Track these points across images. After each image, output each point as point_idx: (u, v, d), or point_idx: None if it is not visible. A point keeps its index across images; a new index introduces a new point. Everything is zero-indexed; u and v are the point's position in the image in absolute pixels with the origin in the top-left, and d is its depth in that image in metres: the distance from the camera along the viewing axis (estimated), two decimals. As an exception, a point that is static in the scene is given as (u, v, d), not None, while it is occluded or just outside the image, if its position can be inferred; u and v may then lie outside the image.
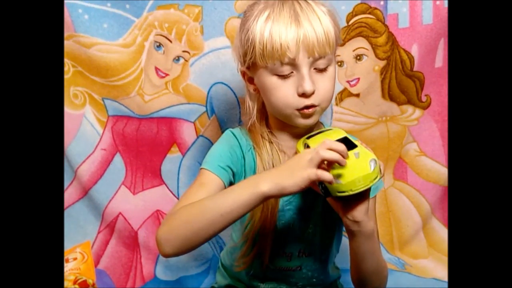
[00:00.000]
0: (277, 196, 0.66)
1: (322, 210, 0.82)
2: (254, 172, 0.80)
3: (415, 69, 1.16)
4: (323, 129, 0.80)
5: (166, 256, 0.68)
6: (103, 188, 1.22)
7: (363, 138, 1.21)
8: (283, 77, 0.73)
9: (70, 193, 1.22)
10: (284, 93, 0.74)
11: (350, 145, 0.69)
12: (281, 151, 0.81)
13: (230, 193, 0.67)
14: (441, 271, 1.19)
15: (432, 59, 1.16)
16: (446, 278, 1.15)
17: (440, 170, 1.24)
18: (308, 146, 0.73)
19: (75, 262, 0.90)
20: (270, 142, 0.81)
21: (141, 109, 1.18)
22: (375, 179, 0.67)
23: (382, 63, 1.16)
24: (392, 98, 1.19)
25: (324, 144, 0.65)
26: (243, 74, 0.81)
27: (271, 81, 0.74)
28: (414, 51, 1.15)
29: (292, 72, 0.73)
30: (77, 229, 1.23)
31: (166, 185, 1.24)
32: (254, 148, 0.81)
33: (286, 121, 0.78)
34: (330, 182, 0.64)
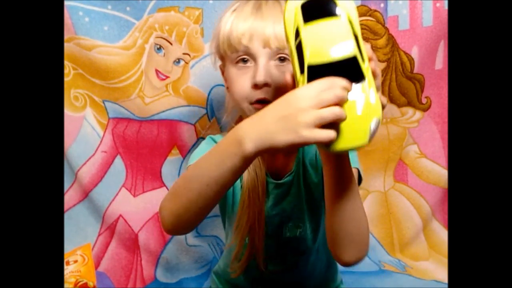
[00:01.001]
0: (265, 153, 0.58)
1: (308, 207, 0.81)
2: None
3: (415, 71, 1.16)
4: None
5: (168, 233, 0.65)
6: (104, 190, 1.22)
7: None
8: (242, 68, 0.72)
9: (70, 196, 1.22)
10: (241, 84, 0.72)
11: (357, 75, 0.53)
12: None
13: (213, 158, 0.57)
14: (442, 273, 1.19)
15: (432, 61, 1.17)
16: (446, 280, 1.15)
17: (440, 172, 1.24)
18: (298, 35, 0.56)
19: (76, 265, 0.90)
20: None
21: (142, 111, 1.18)
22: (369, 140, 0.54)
23: (382, 65, 1.16)
24: (392, 100, 1.19)
25: (320, 100, 0.51)
26: (221, 70, 0.82)
27: (232, 72, 0.74)
28: (414, 53, 1.15)
29: (250, 63, 0.72)
30: (77, 232, 1.23)
31: (166, 187, 1.24)
32: None
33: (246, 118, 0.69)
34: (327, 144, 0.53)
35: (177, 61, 1.15)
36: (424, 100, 1.20)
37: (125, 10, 1.12)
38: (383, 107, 0.55)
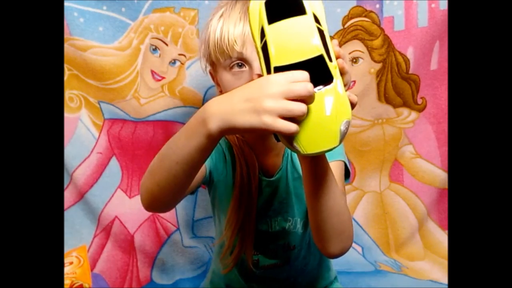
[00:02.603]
0: (230, 133, 0.58)
1: (297, 201, 0.82)
2: (235, 169, 0.80)
3: (410, 71, 1.17)
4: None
5: (146, 210, 0.65)
6: (99, 191, 1.22)
7: (359, 140, 1.22)
8: (236, 73, 0.72)
9: (66, 197, 1.21)
10: None
11: (325, 75, 0.51)
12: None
13: (182, 137, 0.57)
14: (438, 273, 1.19)
15: (428, 61, 1.17)
16: (442, 280, 1.15)
17: (435, 172, 1.24)
18: (263, 34, 0.54)
19: (71, 267, 0.90)
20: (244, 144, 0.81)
21: (137, 112, 1.18)
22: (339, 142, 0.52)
23: (378, 65, 1.16)
24: (388, 101, 1.19)
25: (290, 89, 0.49)
26: (211, 75, 0.82)
27: (226, 78, 0.73)
28: (410, 53, 1.15)
29: (245, 68, 0.72)
30: (73, 233, 1.22)
31: (162, 188, 1.23)
32: (232, 147, 0.81)
33: None
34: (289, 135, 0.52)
35: (173, 62, 1.15)
36: (419, 101, 1.20)
37: (120, 10, 1.12)
38: (353, 106, 0.54)
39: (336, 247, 0.66)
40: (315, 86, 0.50)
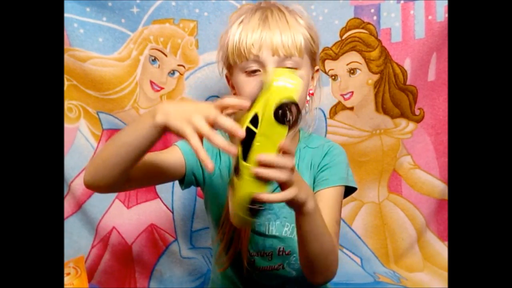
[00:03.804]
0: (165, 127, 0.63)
1: None
2: (229, 170, 0.82)
3: (408, 82, 1.17)
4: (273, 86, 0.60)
5: (87, 187, 0.72)
6: (97, 202, 1.21)
7: (357, 151, 1.22)
8: (251, 73, 0.78)
9: (64, 207, 1.21)
10: (249, 89, 0.76)
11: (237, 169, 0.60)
12: None
13: (132, 125, 0.66)
14: (437, 284, 1.19)
15: (425, 73, 1.18)
16: (441, 291, 1.15)
17: (434, 183, 1.25)
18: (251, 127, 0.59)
19: (69, 277, 0.89)
20: None
21: (136, 123, 1.18)
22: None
23: (376, 77, 1.17)
24: (385, 112, 1.20)
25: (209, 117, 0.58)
26: (227, 78, 0.87)
27: (241, 78, 0.79)
28: (407, 65, 1.16)
29: (259, 70, 0.77)
30: (70, 244, 1.21)
31: (160, 198, 1.23)
32: None
33: None
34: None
35: (172, 72, 1.15)
36: (417, 112, 1.21)
37: (120, 22, 1.12)
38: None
39: (320, 279, 0.77)
40: (235, 173, 0.61)
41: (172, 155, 0.80)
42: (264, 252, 0.85)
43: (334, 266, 0.75)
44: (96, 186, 0.71)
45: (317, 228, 0.69)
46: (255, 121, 0.57)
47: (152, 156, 0.74)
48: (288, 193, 0.62)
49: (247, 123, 0.58)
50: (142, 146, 0.64)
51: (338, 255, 0.77)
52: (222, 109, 0.59)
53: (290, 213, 0.82)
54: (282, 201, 0.63)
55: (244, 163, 0.59)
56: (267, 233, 0.85)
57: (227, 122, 0.57)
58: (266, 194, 0.61)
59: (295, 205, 0.66)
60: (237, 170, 0.60)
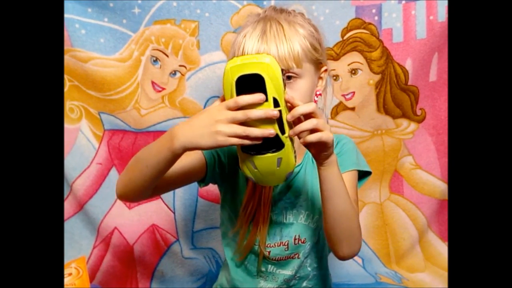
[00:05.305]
0: (193, 149, 0.70)
1: (312, 197, 0.87)
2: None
3: (409, 83, 1.17)
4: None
5: (119, 199, 0.81)
6: (99, 202, 1.21)
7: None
8: None
9: (65, 208, 1.21)
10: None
11: (278, 144, 0.67)
12: None
13: (154, 147, 0.71)
14: (438, 285, 1.19)
15: (426, 73, 1.18)
16: (442, 292, 1.15)
17: (435, 183, 1.24)
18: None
19: (70, 278, 0.89)
20: None
21: (137, 123, 1.18)
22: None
23: (377, 77, 1.17)
24: (387, 112, 1.20)
25: (233, 117, 0.64)
26: None
27: None
28: (408, 65, 1.16)
29: None
30: (72, 244, 1.22)
31: (162, 199, 1.23)
32: None
33: None
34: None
35: (173, 73, 1.16)
36: (418, 112, 1.21)
37: (122, 22, 1.13)
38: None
39: (345, 249, 0.79)
40: (271, 150, 0.67)
41: (192, 158, 0.82)
42: (280, 242, 0.88)
43: (358, 236, 0.79)
44: (127, 199, 0.82)
45: (339, 182, 0.74)
46: (276, 103, 0.64)
47: (175, 165, 0.75)
48: (324, 134, 0.67)
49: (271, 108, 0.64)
50: (165, 168, 0.71)
51: (361, 231, 0.80)
52: (237, 108, 0.64)
53: (306, 201, 0.87)
54: (321, 141, 0.67)
55: (283, 137, 0.66)
56: (284, 221, 0.87)
57: (258, 112, 0.63)
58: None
59: (327, 148, 0.70)
60: (278, 144, 0.67)
